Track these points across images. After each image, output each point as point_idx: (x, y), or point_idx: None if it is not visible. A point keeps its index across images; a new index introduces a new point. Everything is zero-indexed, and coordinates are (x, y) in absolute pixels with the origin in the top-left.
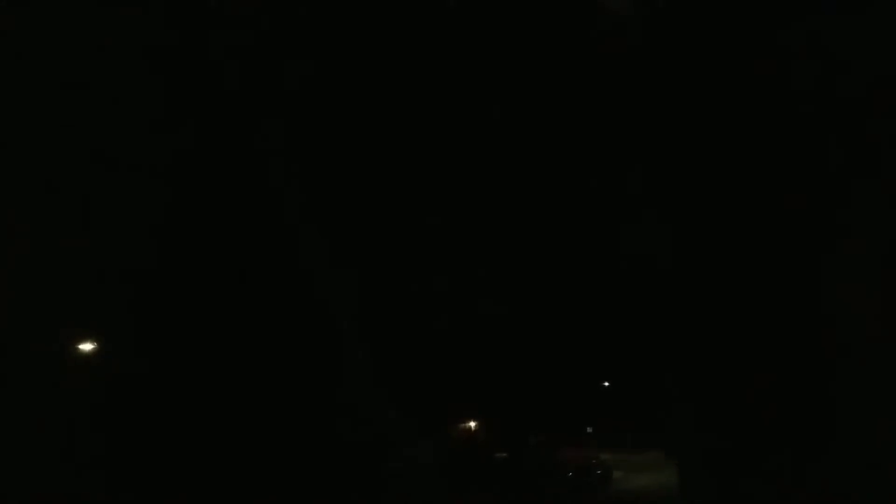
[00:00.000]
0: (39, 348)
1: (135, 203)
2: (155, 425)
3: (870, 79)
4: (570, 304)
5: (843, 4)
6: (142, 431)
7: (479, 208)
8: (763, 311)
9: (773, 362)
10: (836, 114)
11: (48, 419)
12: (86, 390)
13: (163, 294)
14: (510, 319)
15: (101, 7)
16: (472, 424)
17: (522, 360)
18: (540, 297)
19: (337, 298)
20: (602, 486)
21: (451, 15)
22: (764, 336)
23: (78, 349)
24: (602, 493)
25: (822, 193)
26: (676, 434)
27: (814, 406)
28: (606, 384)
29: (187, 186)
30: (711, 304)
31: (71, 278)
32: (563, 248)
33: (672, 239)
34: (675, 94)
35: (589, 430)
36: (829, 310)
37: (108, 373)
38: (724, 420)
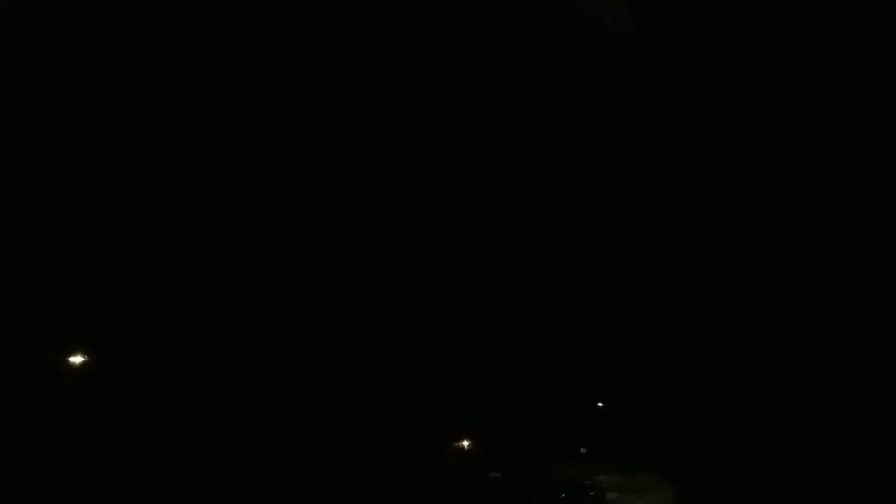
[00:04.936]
0: (34, 357)
1: (131, 207)
2: (148, 435)
3: (869, 79)
4: (567, 322)
5: (843, 5)
6: (135, 441)
7: (479, 219)
8: (762, 315)
9: (770, 373)
10: (836, 114)
11: (42, 431)
12: (80, 402)
13: (157, 302)
14: (504, 333)
15: (100, 7)
16: (466, 442)
17: (517, 375)
18: (536, 316)
19: (334, 306)
20: None
21: (451, 17)
22: (760, 349)
23: (73, 359)
24: None
25: (821, 193)
26: (674, 453)
27: (814, 417)
28: (601, 404)
29: (185, 191)
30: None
31: (66, 286)
32: (558, 258)
33: (672, 247)
34: (675, 95)
35: (583, 450)
36: (829, 310)
37: (101, 382)
38: (721, 440)
